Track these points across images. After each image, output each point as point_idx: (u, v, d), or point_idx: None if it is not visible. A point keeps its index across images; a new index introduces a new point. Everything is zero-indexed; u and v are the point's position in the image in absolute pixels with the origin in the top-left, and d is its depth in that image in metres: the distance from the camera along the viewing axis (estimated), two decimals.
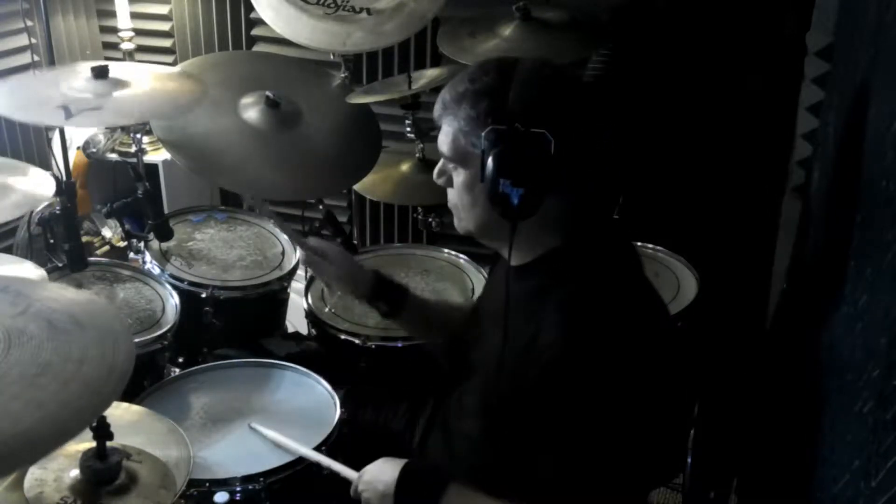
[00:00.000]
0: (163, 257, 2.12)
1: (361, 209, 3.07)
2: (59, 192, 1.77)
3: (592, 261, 1.35)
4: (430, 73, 2.34)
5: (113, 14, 2.96)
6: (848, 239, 1.36)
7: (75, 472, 1.23)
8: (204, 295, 2.02)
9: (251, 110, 2.17)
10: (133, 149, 2.43)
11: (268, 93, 2.16)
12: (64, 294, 1.20)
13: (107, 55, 3.23)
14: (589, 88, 1.84)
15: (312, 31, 2.32)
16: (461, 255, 2.28)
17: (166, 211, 2.25)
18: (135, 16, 2.98)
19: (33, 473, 1.22)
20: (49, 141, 2.92)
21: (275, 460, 1.53)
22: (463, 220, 1.40)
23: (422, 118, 2.28)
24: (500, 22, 2.18)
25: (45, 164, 2.91)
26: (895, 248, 1.04)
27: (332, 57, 2.53)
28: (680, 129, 2.54)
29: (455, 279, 2.21)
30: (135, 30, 2.95)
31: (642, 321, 1.34)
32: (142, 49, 3.06)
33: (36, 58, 2.86)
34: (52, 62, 2.67)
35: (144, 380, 1.82)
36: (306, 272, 2.19)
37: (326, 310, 2.09)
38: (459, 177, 1.35)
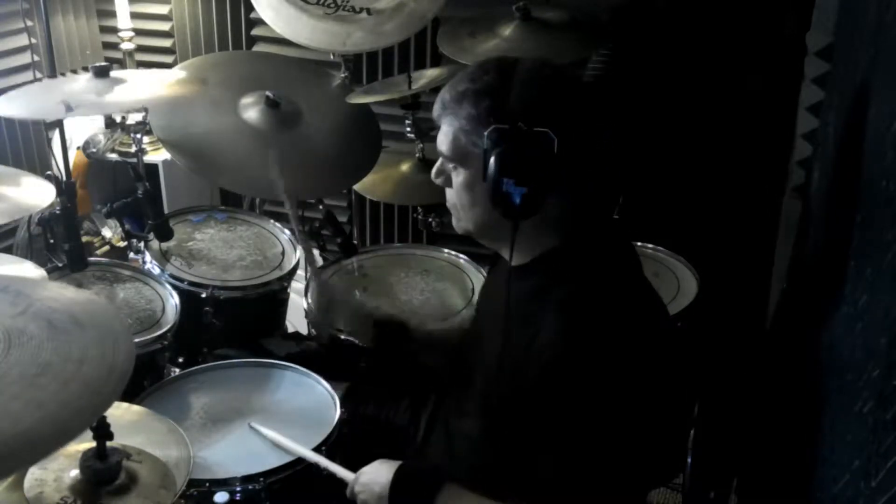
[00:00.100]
0: (163, 257, 2.12)
1: (361, 209, 3.07)
2: (59, 192, 1.77)
3: (592, 261, 1.35)
4: (430, 73, 2.34)
5: (113, 14, 2.96)
6: (848, 239, 1.36)
7: (75, 472, 1.23)
8: (204, 295, 2.02)
9: (251, 110, 2.17)
10: (133, 149, 2.43)
11: (268, 93, 2.16)
12: (64, 294, 1.20)
13: (107, 55, 3.23)
14: (589, 88, 1.84)
15: (312, 31, 2.32)
16: (461, 255, 2.28)
17: (166, 211, 2.25)
18: (135, 16, 2.98)
19: (33, 473, 1.22)
20: (49, 141, 2.92)
21: (275, 460, 1.53)
22: (462, 220, 1.40)
23: (422, 118, 2.28)
24: (500, 22, 2.18)
25: (45, 164, 2.92)
26: (895, 248, 1.04)
27: (332, 57, 2.53)
28: (680, 129, 2.54)
29: (455, 279, 2.21)
30: (135, 30, 2.95)
31: (641, 321, 1.34)
32: (142, 49, 3.07)
33: (36, 58, 2.87)
34: (52, 62, 2.68)
35: (144, 380, 1.82)
36: (306, 272, 2.19)
37: None
38: (459, 176, 1.35)
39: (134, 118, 2.37)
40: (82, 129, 2.84)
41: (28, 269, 1.86)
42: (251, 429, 1.62)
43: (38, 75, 2.87)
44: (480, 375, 1.45)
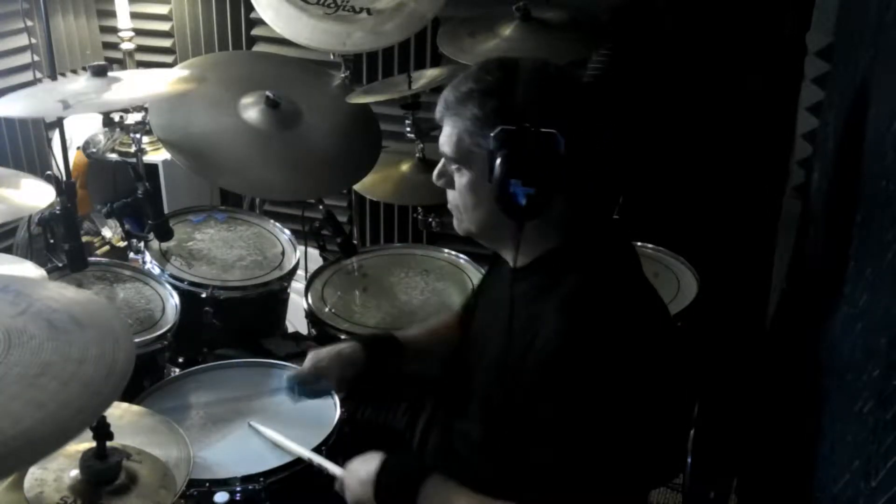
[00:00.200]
0: (163, 257, 2.12)
1: (361, 209, 3.07)
2: (59, 192, 1.77)
3: (592, 260, 1.35)
4: (430, 73, 2.34)
5: (113, 14, 2.96)
6: (848, 239, 1.36)
7: (75, 472, 1.23)
8: (204, 295, 2.02)
9: (251, 110, 2.17)
10: (133, 149, 2.43)
11: (268, 93, 2.16)
12: (64, 294, 1.20)
13: (107, 55, 3.23)
14: (590, 88, 1.84)
15: (312, 31, 2.32)
16: (461, 255, 2.28)
17: (166, 211, 2.25)
18: (135, 16, 2.98)
19: (33, 473, 1.22)
20: (49, 141, 2.92)
21: (275, 460, 1.53)
22: (464, 222, 1.39)
23: (422, 118, 2.28)
24: (500, 22, 2.18)
25: (45, 164, 2.92)
26: (895, 248, 1.04)
27: (332, 57, 2.53)
28: (680, 129, 2.54)
29: (455, 279, 2.21)
30: (135, 30, 2.95)
31: (642, 320, 1.34)
32: (142, 49, 3.07)
33: (36, 57, 2.87)
34: (52, 62, 2.68)
35: (144, 380, 1.82)
36: (306, 272, 2.19)
37: (326, 310, 2.09)
38: (463, 177, 1.35)
39: (133, 118, 2.37)
40: (82, 129, 2.84)
41: (28, 269, 1.86)
42: (250, 427, 1.62)
43: (38, 75, 2.87)
44: (481, 377, 1.45)
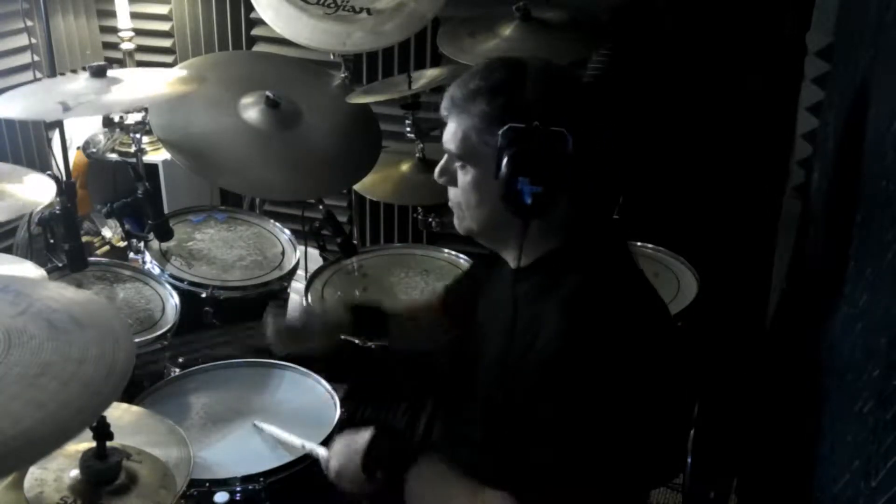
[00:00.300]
0: (163, 257, 2.12)
1: (361, 209, 3.07)
2: (59, 192, 1.77)
3: (593, 261, 1.35)
4: (430, 73, 2.34)
5: (113, 14, 2.96)
6: (848, 239, 1.36)
7: (75, 472, 1.23)
8: (204, 295, 2.02)
9: (251, 110, 2.17)
10: (133, 149, 2.43)
11: (268, 93, 2.16)
12: (64, 294, 1.20)
13: (107, 55, 3.23)
14: (590, 88, 1.84)
15: (312, 31, 2.32)
16: (461, 255, 2.28)
17: (166, 211, 2.25)
18: (135, 16, 2.98)
19: (33, 473, 1.22)
20: (49, 141, 2.92)
21: (275, 460, 1.53)
22: (466, 220, 1.39)
23: (422, 118, 2.28)
24: (500, 22, 2.18)
25: (45, 164, 2.92)
26: (895, 248, 1.04)
27: (332, 57, 2.53)
28: (680, 129, 2.54)
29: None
30: (135, 30, 2.95)
31: (642, 320, 1.34)
32: (142, 49, 3.07)
33: (36, 58, 2.87)
34: (51, 62, 2.68)
35: (144, 380, 1.82)
36: (306, 272, 2.19)
37: None
38: (467, 175, 1.34)
39: (133, 118, 2.37)
40: (82, 129, 2.84)
41: (28, 269, 1.86)
42: (255, 427, 1.62)
43: (38, 75, 2.87)
44: (482, 377, 1.45)
